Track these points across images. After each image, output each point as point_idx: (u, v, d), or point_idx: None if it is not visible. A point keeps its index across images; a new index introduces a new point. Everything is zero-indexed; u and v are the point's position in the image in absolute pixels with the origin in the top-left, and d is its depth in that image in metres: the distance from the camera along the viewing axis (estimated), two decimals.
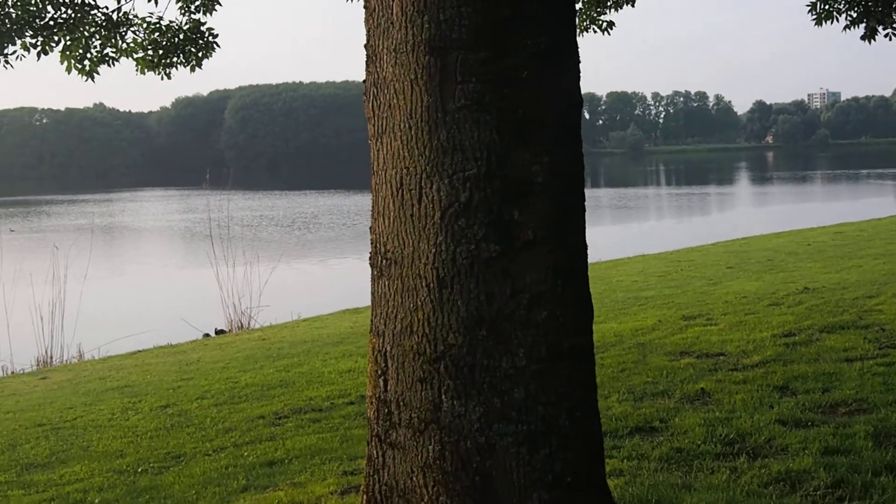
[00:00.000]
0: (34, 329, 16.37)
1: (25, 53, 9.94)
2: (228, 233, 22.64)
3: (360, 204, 67.61)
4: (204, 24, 10.93)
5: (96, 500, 6.61)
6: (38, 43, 9.89)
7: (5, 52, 9.78)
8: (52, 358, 16.03)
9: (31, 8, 9.69)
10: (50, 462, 7.93)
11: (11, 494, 7.01)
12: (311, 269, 31.29)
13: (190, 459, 7.53)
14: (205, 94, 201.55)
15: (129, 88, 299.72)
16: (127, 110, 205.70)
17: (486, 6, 3.60)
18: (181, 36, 10.78)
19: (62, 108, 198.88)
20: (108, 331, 17.87)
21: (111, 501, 6.58)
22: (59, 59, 10.06)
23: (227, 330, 18.65)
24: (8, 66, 9.85)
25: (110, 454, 7.97)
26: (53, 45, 9.97)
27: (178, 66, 10.87)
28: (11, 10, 9.59)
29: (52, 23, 9.86)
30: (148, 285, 29.08)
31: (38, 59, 9.94)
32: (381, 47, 3.79)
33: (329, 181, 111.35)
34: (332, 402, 9.13)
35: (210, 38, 10.90)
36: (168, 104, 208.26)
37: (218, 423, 8.73)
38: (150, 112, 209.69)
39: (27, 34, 9.81)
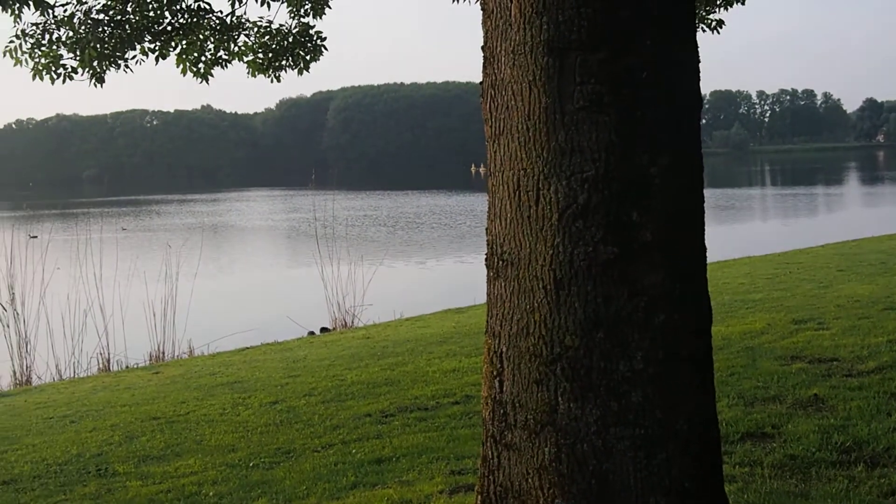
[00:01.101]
0: (147, 325, 16.81)
1: (144, 58, 10.26)
2: (333, 232, 22.89)
3: (462, 204, 67.84)
4: (313, 27, 11.11)
5: (210, 493, 6.76)
6: (156, 47, 10.20)
7: (125, 56, 10.10)
8: (163, 353, 16.44)
9: (150, 14, 9.99)
10: (165, 455, 8.13)
11: (130, 485, 7.22)
12: (413, 269, 31.50)
13: (299, 455, 7.66)
14: (308, 95, 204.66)
15: (236, 90, 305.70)
16: (233, 112, 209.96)
17: (605, 6, 3.58)
18: (290, 39, 10.97)
19: (171, 110, 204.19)
20: (216, 327, 18.27)
21: (224, 495, 6.73)
22: (174, 62, 10.36)
23: (331, 328, 18.88)
24: (128, 70, 10.18)
25: (222, 448, 8.14)
26: (170, 49, 10.27)
27: (287, 68, 11.06)
28: (131, 16, 9.90)
29: (169, 28, 10.14)
30: (255, 283, 29.63)
31: (157, 63, 10.27)
32: (498, 49, 3.80)
33: (430, 181, 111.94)
34: (438, 402, 9.17)
35: (318, 42, 11.07)
36: (273, 105, 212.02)
37: (326, 420, 8.84)
38: (256, 113, 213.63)
39: (146, 39, 10.11)
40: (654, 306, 3.62)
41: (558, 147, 3.63)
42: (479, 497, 3.89)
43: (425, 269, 31.97)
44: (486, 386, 3.90)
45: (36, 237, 17.28)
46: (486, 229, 3.96)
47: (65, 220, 49.65)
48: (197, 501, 6.63)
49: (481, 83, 3.95)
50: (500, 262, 3.83)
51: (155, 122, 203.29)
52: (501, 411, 3.79)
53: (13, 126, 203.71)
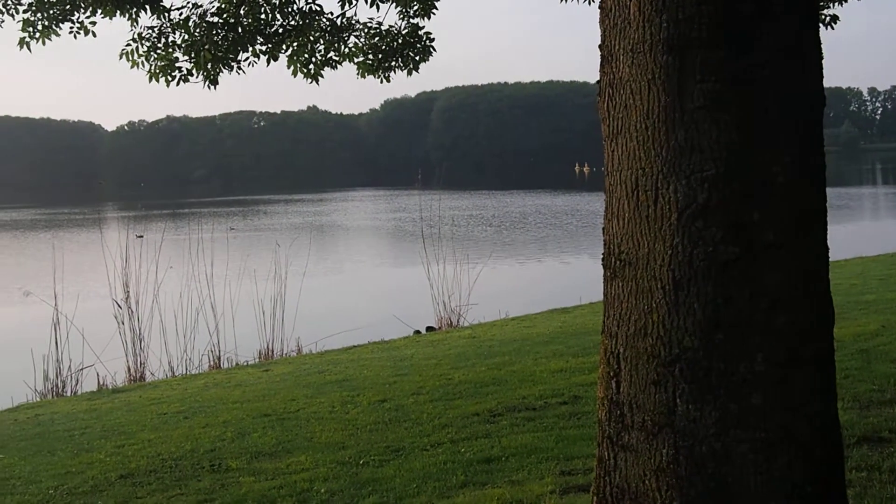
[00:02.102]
0: (257, 323, 17.13)
1: (256, 60, 10.46)
2: (439, 232, 23.00)
3: (567, 204, 67.50)
4: (422, 28, 11.18)
5: (322, 490, 6.85)
6: (268, 49, 10.39)
7: (238, 58, 10.31)
8: (272, 351, 16.72)
9: (262, 16, 10.18)
10: (277, 451, 8.26)
11: (243, 480, 7.35)
12: (518, 269, 31.46)
13: (409, 453, 7.70)
14: (412, 95, 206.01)
15: (341, 92, 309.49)
16: (338, 113, 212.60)
17: (727, 3, 3.52)
18: (400, 40, 11.05)
19: (278, 112, 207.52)
20: (324, 326, 18.51)
21: (336, 492, 6.80)
22: (285, 63, 10.53)
23: (437, 327, 18.97)
24: (241, 72, 10.38)
25: (333, 445, 8.23)
26: (281, 50, 10.44)
27: (397, 69, 11.15)
28: (244, 19, 10.10)
29: (280, 30, 10.32)
30: (361, 282, 29.95)
31: (268, 64, 10.45)
32: (617, 47, 3.77)
33: (533, 181, 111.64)
34: (546, 402, 9.14)
35: (427, 42, 11.13)
36: (377, 106, 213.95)
37: (434, 419, 8.88)
38: (360, 114, 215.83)
39: (258, 41, 10.30)
40: (775, 307, 3.54)
41: (678, 146, 3.58)
42: (595, 498, 3.86)
43: (530, 268, 31.90)
44: (602, 386, 3.86)
45: (142, 237, 17.74)
46: (603, 229, 3.93)
47: (175, 220, 50.96)
48: (309, 498, 6.72)
49: (598, 82, 3.92)
50: (618, 262, 3.79)
51: (262, 123, 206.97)
52: (618, 412, 3.75)
53: (125, 128, 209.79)
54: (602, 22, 3.87)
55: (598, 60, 3.92)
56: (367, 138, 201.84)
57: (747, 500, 3.54)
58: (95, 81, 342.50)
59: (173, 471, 7.87)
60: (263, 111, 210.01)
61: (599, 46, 3.89)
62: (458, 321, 19.05)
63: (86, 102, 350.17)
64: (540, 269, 31.84)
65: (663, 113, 3.60)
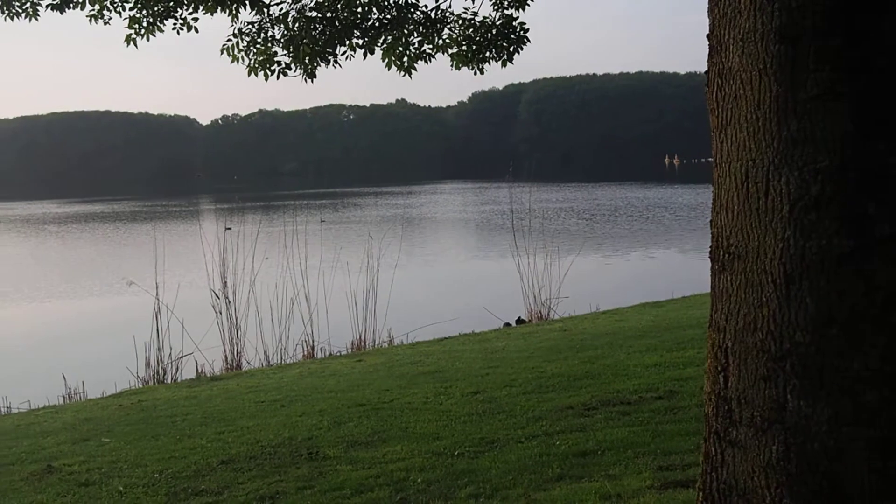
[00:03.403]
0: (349, 314, 17.31)
1: (353, 53, 10.56)
2: (529, 224, 22.93)
3: (658, 196, 66.81)
4: (516, 18, 11.14)
5: (419, 480, 6.89)
6: (364, 43, 10.47)
7: (335, 52, 10.41)
8: (364, 342, 16.88)
9: (359, 10, 10.26)
10: (372, 440, 8.34)
11: (340, 469, 7.44)
12: (609, 262, 31.24)
13: (503, 445, 7.71)
14: (500, 88, 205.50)
15: (429, 84, 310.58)
16: (426, 105, 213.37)
17: None
18: (494, 31, 11.04)
19: (367, 105, 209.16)
20: (415, 317, 18.63)
21: (432, 482, 6.84)
22: (380, 56, 10.61)
23: (527, 319, 18.95)
24: (337, 65, 10.49)
25: (427, 436, 8.28)
26: (377, 44, 10.52)
27: (491, 60, 11.14)
28: (341, 13, 10.20)
29: (377, 23, 10.40)
30: (451, 274, 30.05)
31: (365, 58, 10.54)
32: (726, 37, 3.71)
33: (623, 173, 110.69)
34: (641, 396, 9.07)
35: (521, 33, 11.09)
36: (465, 99, 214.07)
37: (528, 412, 8.88)
38: (448, 107, 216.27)
39: (355, 35, 10.40)
40: (891, 302, 3.45)
41: (790, 137, 3.51)
42: (701, 494, 3.82)
43: (621, 261, 31.65)
44: (709, 381, 3.82)
45: (230, 229, 18.06)
46: (711, 221, 3.88)
47: (269, 213, 51.67)
48: (405, 487, 6.77)
49: (706, 72, 3.87)
50: (726, 256, 3.74)
51: (351, 117, 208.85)
52: (725, 407, 3.70)
53: (219, 122, 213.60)
54: (711, 11, 3.81)
55: (706, 50, 3.87)
56: (455, 131, 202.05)
57: (860, 501, 3.46)
58: (190, 76, 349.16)
59: (272, 458, 8.00)
60: (353, 104, 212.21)
61: (708, 36, 3.83)
62: (548, 314, 19.01)
63: (182, 97, 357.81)
64: (631, 262, 31.59)
65: (775, 103, 3.54)
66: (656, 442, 7.33)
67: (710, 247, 3.88)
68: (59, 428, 10.42)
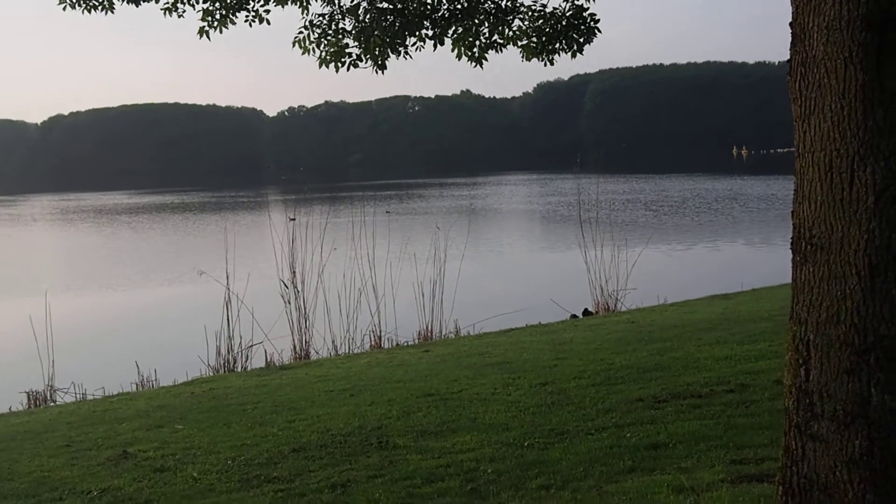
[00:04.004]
0: (416, 305, 17.38)
1: (422, 44, 10.56)
2: (596, 216, 22.82)
3: (726, 188, 65.99)
4: (586, 9, 11.07)
5: (489, 470, 6.90)
6: (434, 34, 10.48)
7: (406, 43, 10.43)
8: (431, 332, 16.93)
9: (429, 1, 10.28)
10: (441, 430, 8.37)
11: (410, 458, 7.48)
12: (677, 254, 30.96)
13: (573, 437, 7.69)
14: (566, 78, 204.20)
15: (494, 75, 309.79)
16: (491, 96, 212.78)
17: None
18: (564, 22, 10.97)
19: (432, 96, 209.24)
20: (481, 308, 18.64)
21: (502, 472, 6.84)
22: (450, 47, 10.60)
23: (594, 311, 18.86)
24: (408, 56, 10.51)
25: (496, 427, 8.29)
26: (447, 35, 10.52)
27: (560, 52, 11.07)
28: (411, 4, 10.22)
29: (447, 14, 10.40)
30: (517, 266, 30.02)
31: (435, 48, 10.53)
32: (810, 24, 3.65)
33: (690, 165, 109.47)
34: (711, 389, 8.98)
35: (591, 24, 11.02)
36: (530, 90, 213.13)
37: (597, 403, 8.84)
38: (513, 98, 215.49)
39: (425, 26, 10.41)
40: None
41: (875, 126, 3.45)
42: (781, 488, 3.78)
43: (689, 253, 31.34)
44: (789, 374, 3.77)
45: (294, 219, 18.22)
46: (792, 212, 3.82)
47: (336, 204, 52.05)
48: (476, 477, 6.78)
49: (789, 61, 3.81)
50: (809, 247, 3.69)
51: (417, 108, 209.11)
52: (807, 401, 3.66)
53: (286, 114, 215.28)
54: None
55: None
56: (520, 122, 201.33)
57: None
58: (258, 69, 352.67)
59: (342, 446, 8.07)
60: (418, 96, 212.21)
61: (791, 24, 3.78)
62: (615, 306, 18.91)
63: (249, 89, 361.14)
64: (699, 254, 31.26)
65: (861, 92, 3.48)
66: (728, 435, 7.25)
67: (791, 238, 3.83)
68: (134, 414, 10.63)
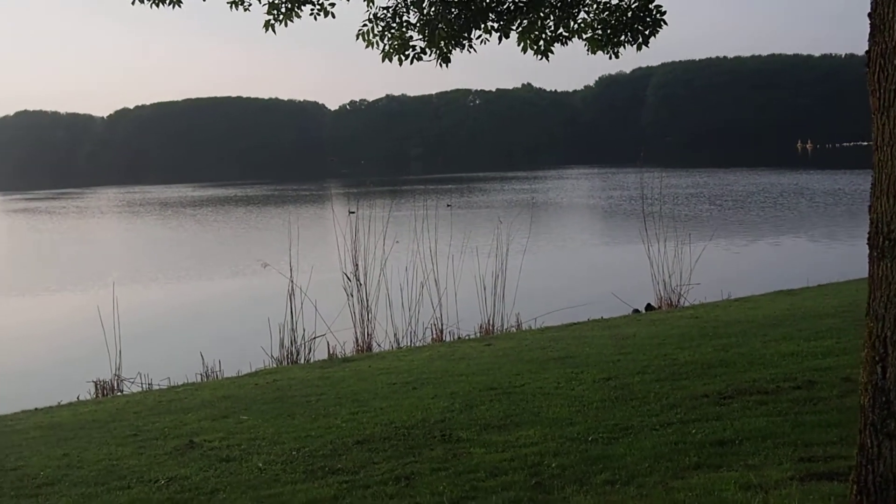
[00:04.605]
0: (478, 298, 17.38)
1: (487, 37, 10.53)
2: (660, 210, 22.60)
3: (791, 182, 65.07)
4: (652, 1, 10.94)
5: (553, 465, 6.87)
6: (499, 26, 10.44)
7: (470, 36, 10.41)
8: (493, 326, 16.92)
9: None
10: (505, 424, 8.35)
11: (474, 452, 7.47)
12: (740, 249, 30.60)
13: (638, 432, 7.63)
14: (627, 72, 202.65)
15: (556, 69, 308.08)
16: (553, 90, 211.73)
17: None
18: (629, 14, 10.87)
19: (493, 90, 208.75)
20: (543, 302, 18.60)
21: (567, 467, 6.80)
22: (515, 40, 10.55)
23: (656, 306, 18.72)
24: (472, 49, 10.49)
25: (560, 421, 8.25)
26: (512, 27, 10.48)
27: (626, 44, 10.97)
28: None
29: (512, 6, 10.36)
30: (578, 260, 29.89)
31: (500, 41, 10.49)
32: (891, 15, 3.57)
33: (754, 158, 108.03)
34: (778, 386, 8.85)
35: (658, 16, 10.89)
36: (591, 83, 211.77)
37: (661, 399, 8.76)
38: (575, 91, 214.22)
39: (490, 18, 10.38)
40: None
41: None
42: (856, 487, 3.71)
43: (754, 249, 30.97)
44: (866, 371, 3.70)
45: (354, 212, 18.32)
46: (870, 207, 3.75)
47: (396, 197, 52.21)
48: (540, 472, 6.75)
49: (867, 52, 3.73)
50: (887, 242, 3.61)
51: (477, 101, 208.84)
52: (883, 399, 3.59)
53: (347, 107, 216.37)
54: None
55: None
56: (581, 116, 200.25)
57: None
58: (319, 62, 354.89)
59: (406, 439, 8.09)
60: (479, 89, 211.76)
61: (870, 14, 3.70)
62: (678, 301, 18.74)
63: (310, 83, 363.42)
64: (763, 249, 30.87)
65: None
66: (796, 432, 7.13)
67: (868, 233, 3.76)
68: (199, 405, 10.77)
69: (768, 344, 11.26)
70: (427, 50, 10.43)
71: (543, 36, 10.61)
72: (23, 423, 10.70)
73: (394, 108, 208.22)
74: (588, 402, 8.90)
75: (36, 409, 12.03)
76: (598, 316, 16.64)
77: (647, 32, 10.90)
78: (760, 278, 21.89)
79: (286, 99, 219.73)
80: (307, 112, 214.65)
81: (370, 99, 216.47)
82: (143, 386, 14.23)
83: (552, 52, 10.68)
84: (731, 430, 7.39)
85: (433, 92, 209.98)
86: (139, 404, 11.43)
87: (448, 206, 48.94)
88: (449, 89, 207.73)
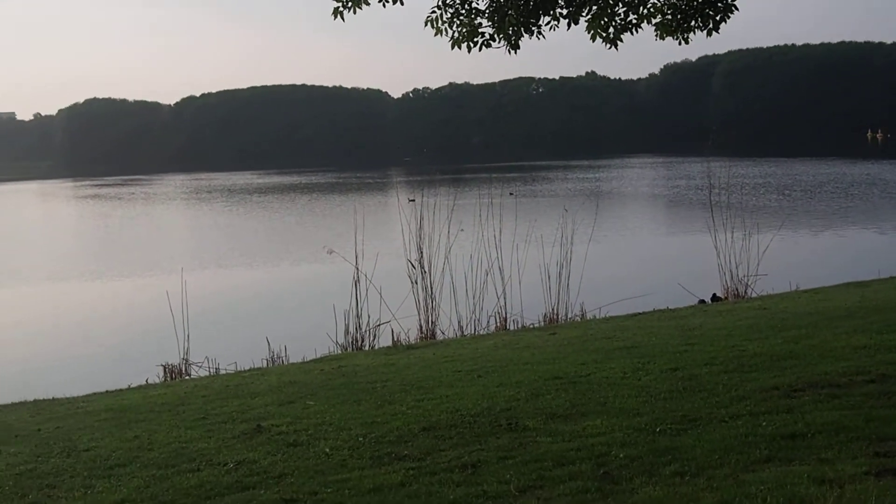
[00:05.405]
0: (542, 287, 17.32)
1: (556, 24, 10.43)
2: (727, 200, 22.29)
3: (865, 172, 63.93)
4: None
5: (621, 455, 6.82)
6: (569, 13, 10.33)
7: (539, 23, 10.31)
8: (557, 315, 16.86)
9: None
10: (571, 414, 8.30)
11: (540, 441, 7.45)
12: (809, 240, 30.16)
13: (706, 424, 7.54)
14: (693, 59, 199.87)
15: (619, 56, 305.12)
16: (616, 78, 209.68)
17: None
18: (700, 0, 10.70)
19: (556, 78, 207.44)
20: (607, 291, 18.49)
21: (634, 458, 6.75)
22: (584, 27, 10.44)
23: (722, 297, 18.50)
24: (541, 36, 10.39)
25: (627, 411, 8.19)
26: (581, 14, 10.36)
27: (696, 30, 10.80)
28: None
29: None
30: (643, 249, 29.67)
31: (568, 28, 10.37)
32: None
33: (822, 148, 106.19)
34: (850, 379, 8.70)
35: (729, 1, 10.72)
36: (656, 71, 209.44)
37: (730, 391, 8.65)
38: (639, 79, 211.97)
39: (559, 4, 10.27)
40: None
41: None
42: None
43: (823, 239, 30.50)
44: None
45: (413, 200, 18.35)
46: None
47: (459, 185, 52.26)
48: (607, 462, 6.71)
49: None
50: None
51: (541, 90, 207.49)
52: None
53: (410, 95, 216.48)
54: None
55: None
56: (645, 104, 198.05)
57: None
58: (383, 50, 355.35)
59: (472, 427, 8.09)
60: (542, 77, 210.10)
61: None
62: (745, 292, 18.51)
63: (374, 71, 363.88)
64: (833, 240, 30.38)
65: None
66: (870, 427, 7.00)
67: None
68: (266, 390, 10.88)
69: (839, 336, 11.06)
70: (496, 37, 10.35)
71: (613, 23, 10.48)
72: (94, 404, 10.89)
73: (456, 96, 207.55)
74: (655, 393, 8.82)
75: (107, 391, 12.25)
76: (663, 306, 16.48)
77: (717, 18, 10.72)
78: (830, 270, 21.56)
79: (350, 87, 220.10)
80: (370, 100, 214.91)
81: (433, 87, 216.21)
82: (211, 370, 14.41)
83: (621, 41, 10.55)
84: (802, 423, 7.28)
85: (496, 80, 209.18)
86: (207, 388, 11.58)
87: (511, 194, 48.81)
88: (512, 77, 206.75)
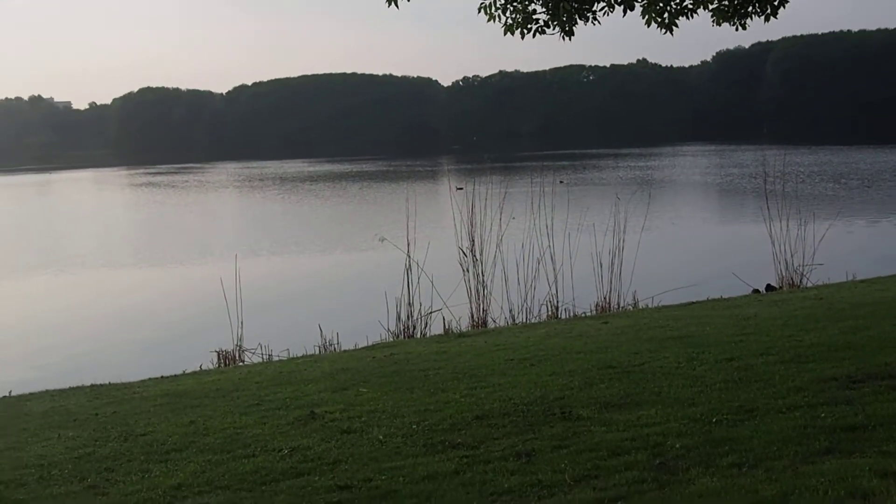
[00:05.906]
0: (594, 276, 17.20)
1: (611, 10, 10.32)
2: (782, 188, 21.99)
3: None
4: None
5: (677, 446, 6.75)
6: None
7: (594, 9, 10.22)
8: (609, 304, 16.76)
9: None
10: (625, 403, 8.24)
11: (594, 430, 7.40)
12: (867, 229, 29.70)
13: (763, 415, 7.45)
14: (746, 46, 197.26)
15: (671, 43, 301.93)
16: (668, 65, 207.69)
17: None
18: None
19: (607, 65, 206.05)
20: (660, 281, 18.33)
21: (691, 448, 6.68)
22: (640, 13, 10.32)
23: (777, 287, 18.27)
24: (596, 22, 10.30)
25: (681, 401, 8.11)
26: (637, 0, 10.24)
27: (754, 15, 10.63)
28: None
29: None
30: (696, 238, 29.42)
31: (624, 14, 10.23)
32: None
33: (879, 136, 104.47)
34: None
35: None
36: (708, 58, 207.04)
37: (787, 381, 8.54)
38: (691, 67, 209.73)
39: None
40: None
41: None
42: None
43: (881, 229, 30.00)
44: None
45: (462, 189, 18.29)
46: None
47: (510, 173, 52.12)
48: (663, 452, 6.64)
49: None
50: None
51: (591, 77, 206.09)
52: None
53: (460, 83, 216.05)
54: None
55: None
56: (697, 91, 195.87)
57: None
58: (434, 38, 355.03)
59: (525, 415, 8.06)
60: (592, 65, 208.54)
61: None
62: (800, 281, 18.26)
63: (424, 59, 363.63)
64: (891, 230, 29.91)
65: None
66: None
67: None
68: (319, 376, 10.93)
69: None
70: (550, 23, 10.27)
71: (669, 8, 10.36)
72: (150, 390, 11.01)
73: (506, 84, 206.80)
74: (710, 383, 8.73)
75: (162, 376, 12.38)
76: (716, 295, 16.31)
77: (775, 3, 10.55)
78: (888, 260, 21.21)
79: (400, 75, 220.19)
80: (420, 88, 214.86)
81: (483, 75, 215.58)
82: (264, 357, 14.52)
83: (676, 26, 10.41)
84: (862, 415, 7.16)
85: (546, 68, 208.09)
86: (260, 374, 11.66)
87: (561, 182, 48.56)
88: (562, 65, 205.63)
